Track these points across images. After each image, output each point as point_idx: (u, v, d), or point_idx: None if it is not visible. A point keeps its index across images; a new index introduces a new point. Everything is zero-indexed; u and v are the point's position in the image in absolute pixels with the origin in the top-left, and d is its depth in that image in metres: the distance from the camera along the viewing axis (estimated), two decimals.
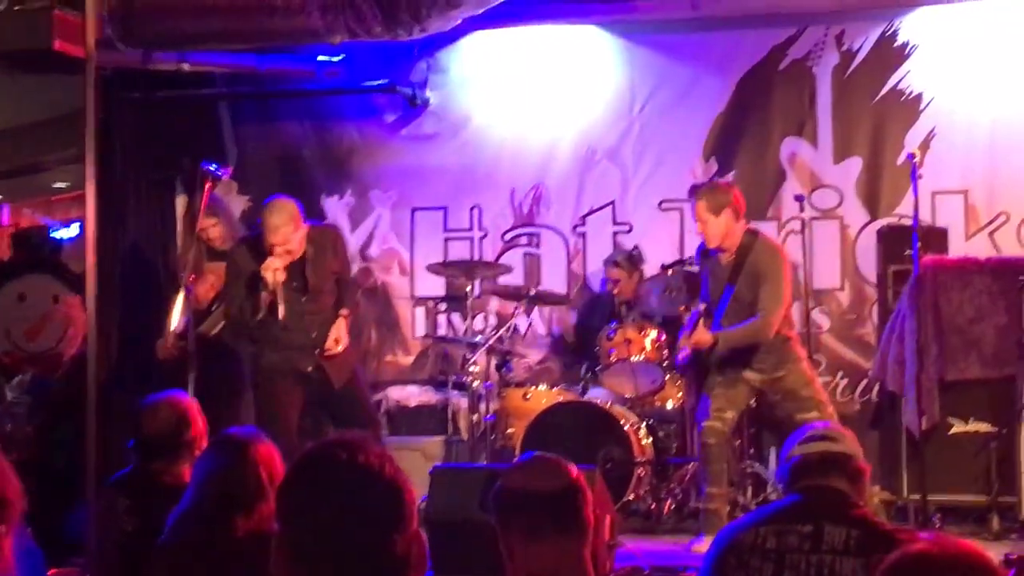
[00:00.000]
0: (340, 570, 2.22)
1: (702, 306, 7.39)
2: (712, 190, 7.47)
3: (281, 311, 7.13)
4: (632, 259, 9.02)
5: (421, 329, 9.87)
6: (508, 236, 9.77)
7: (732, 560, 3.69)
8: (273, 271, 7.06)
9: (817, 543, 3.61)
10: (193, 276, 7.62)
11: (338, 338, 7.35)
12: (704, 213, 7.29)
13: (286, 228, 7.07)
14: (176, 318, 7.63)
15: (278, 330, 7.27)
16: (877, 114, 9.05)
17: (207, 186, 7.65)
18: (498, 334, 8.90)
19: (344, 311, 7.45)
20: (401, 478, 2.29)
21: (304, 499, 2.27)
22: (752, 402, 7.85)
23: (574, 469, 3.00)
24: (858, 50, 9.10)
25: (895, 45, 9.03)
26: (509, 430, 8.44)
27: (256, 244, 7.25)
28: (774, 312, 7.20)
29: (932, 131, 8.90)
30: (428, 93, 9.76)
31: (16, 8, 8.10)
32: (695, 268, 8.87)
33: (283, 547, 2.27)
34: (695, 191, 7.55)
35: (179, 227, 9.90)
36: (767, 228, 9.04)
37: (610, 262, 9.07)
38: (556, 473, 2.97)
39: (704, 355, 7.39)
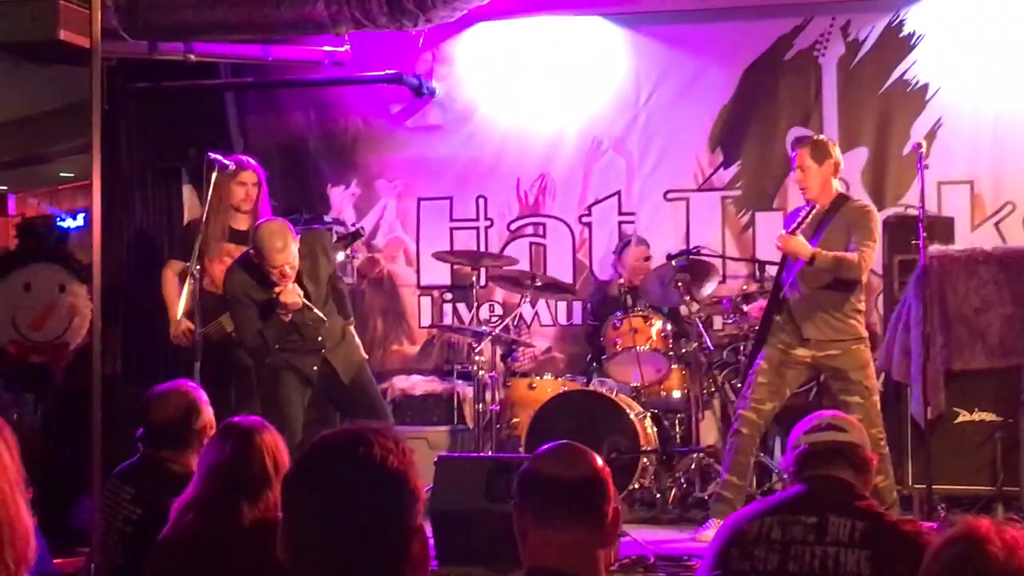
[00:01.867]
0: (340, 562, 2.23)
1: (811, 207, 7.12)
2: (816, 141, 7.39)
3: (318, 312, 7.16)
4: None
5: (427, 318, 9.88)
6: (514, 226, 9.78)
7: (736, 550, 3.69)
8: (292, 293, 7.02)
9: (822, 534, 3.61)
10: (199, 266, 7.62)
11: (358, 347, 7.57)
12: (808, 160, 7.17)
13: (288, 249, 7.01)
14: (182, 306, 7.61)
15: (285, 337, 7.25)
16: (883, 104, 9.05)
17: (213, 176, 7.65)
18: (504, 323, 8.91)
19: (349, 322, 7.57)
20: (407, 473, 2.28)
21: (306, 490, 2.28)
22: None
23: (600, 461, 2.98)
24: (864, 40, 9.10)
25: (901, 35, 9.03)
26: (514, 420, 8.45)
27: (253, 270, 7.19)
28: (868, 253, 7.11)
29: (938, 121, 8.90)
30: (434, 83, 9.76)
31: None
32: (701, 258, 8.89)
33: (286, 536, 2.28)
34: (799, 141, 7.45)
35: (185, 216, 9.90)
36: (773, 218, 9.07)
37: (638, 241, 9.05)
38: (580, 462, 2.96)
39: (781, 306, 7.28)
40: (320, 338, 7.27)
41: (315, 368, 7.29)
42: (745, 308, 8.34)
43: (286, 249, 6.95)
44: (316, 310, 7.14)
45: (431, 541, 6.59)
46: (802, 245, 6.98)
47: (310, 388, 7.35)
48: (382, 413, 7.52)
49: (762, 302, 7.64)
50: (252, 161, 7.95)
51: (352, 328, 7.65)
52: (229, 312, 7.49)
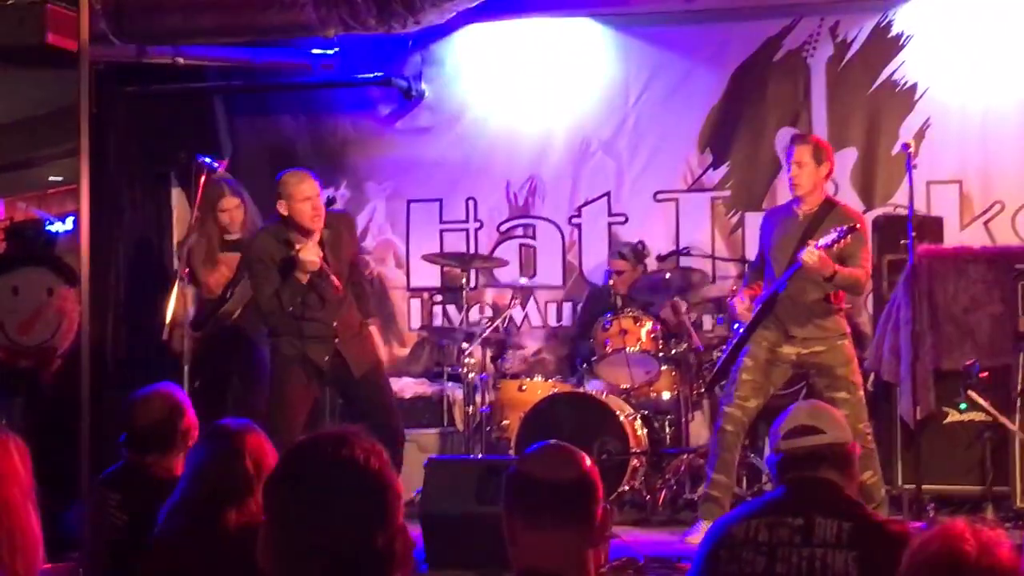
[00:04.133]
0: (322, 563, 2.24)
1: (847, 226, 6.90)
2: (819, 141, 7.42)
3: (335, 280, 7.10)
4: (637, 252, 9.02)
5: (417, 321, 9.87)
6: (504, 227, 9.77)
7: (724, 553, 3.69)
8: (312, 251, 6.98)
9: (808, 536, 3.60)
10: (187, 269, 7.62)
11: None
12: (807, 157, 7.16)
13: (310, 182, 7.06)
14: (171, 310, 7.60)
15: (299, 319, 7.22)
16: (872, 105, 9.06)
17: (202, 179, 7.65)
18: (493, 325, 8.90)
19: (369, 320, 7.58)
20: (387, 473, 2.30)
21: (287, 492, 2.29)
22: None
23: (588, 461, 2.98)
24: (852, 41, 9.10)
25: (889, 36, 9.04)
26: (504, 422, 8.44)
27: (277, 232, 7.19)
28: (869, 266, 7.19)
29: (927, 121, 8.91)
30: (423, 86, 9.76)
31: (9, 2, 8.08)
32: (690, 259, 8.90)
33: (268, 538, 2.29)
34: (800, 137, 7.47)
35: (174, 220, 9.90)
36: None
37: (615, 253, 9.07)
38: (569, 463, 2.96)
39: (770, 307, 7.24)
40: (334, 323, 7.21)
41: (327, 359, 7.24)
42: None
43: (308, 181, 7.09)
44: (333, 277, 7.09)
45: (421, 544, 6.60)
46: (824, 265, 6.92)
47: (320, 379, 7.31)
48: (392, 413, 7.42)
49: (741, 297, 7.58)
50: (232, 180, 7.95)
51: (372, 328, 7.60)
52: (249, 279, 7.47)
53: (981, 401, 7.37)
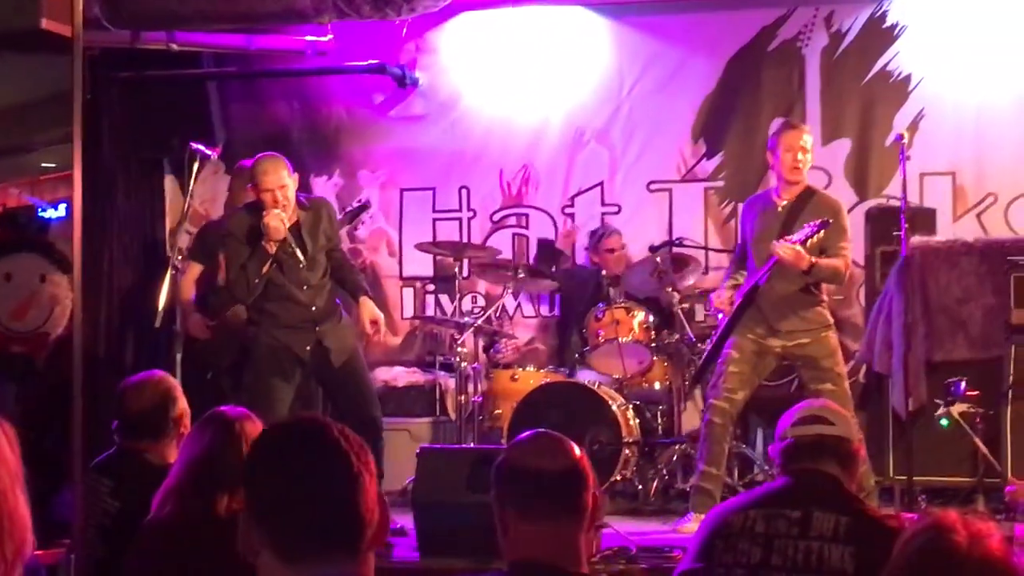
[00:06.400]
0: (297, 529, 2.29)
1: (821, 220, 6.95)
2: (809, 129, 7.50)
3: (300, 255, 7.06)
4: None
5: (409, 310, 9.86)
6: (497, 217, 9.77)
7: (720, 542, 3.69)
8: (277, 217, 6.98)
9: (806, 529, 3.61)
10: (181, 256, 7.61)
11: (374, 319, 7.35)
12: (809, 143, 7.26)
13: (276, 174, 7.01)
14: (164, 296, 7.59)
15: (278, 305, 7.20)
16: (866, 95, 9.06)
17: (195, 166, 7.63)
18: (486, 315, 8.90)
19: (363, 296, 7.47)
20: (362, 454, 2.37)
21: (271, 473, 2.34)
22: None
23: (577, 450, 2.98)
24: (847, 31, 9.10)
25: (884, 26, 9.04)
26: (497, 411, 8.44)
27: (252, 210, 7.19)
28: (849, 255, 7.21)
29: (921, 112, 8.91)
30: (417, 74, 9.74)
31: None
32: (683, 249, 8.90)
33: (249, 521, 2.33)
34: (793, 124, 7.51)
35: (167, 207, 9.89)
36: None
37: (610, 232, 9.06)
38: (560, 453, 2.96)
39: (753, 299, 7.23)
40: (314, 308, 7.20)
41: (308, 348, 7.22)
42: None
43: (273, 173, 6.99)
44: (298, 252, 7.08)
45: (413, 532, 6.61)
46: (800, 258, 6.93)
47: (301, 368, 7.28)
48: (371, 402, 7.40)
49: (721, 290, 7.58)
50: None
51: (367, 300, 7.51)
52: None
53: (964, 423, 7.41)
